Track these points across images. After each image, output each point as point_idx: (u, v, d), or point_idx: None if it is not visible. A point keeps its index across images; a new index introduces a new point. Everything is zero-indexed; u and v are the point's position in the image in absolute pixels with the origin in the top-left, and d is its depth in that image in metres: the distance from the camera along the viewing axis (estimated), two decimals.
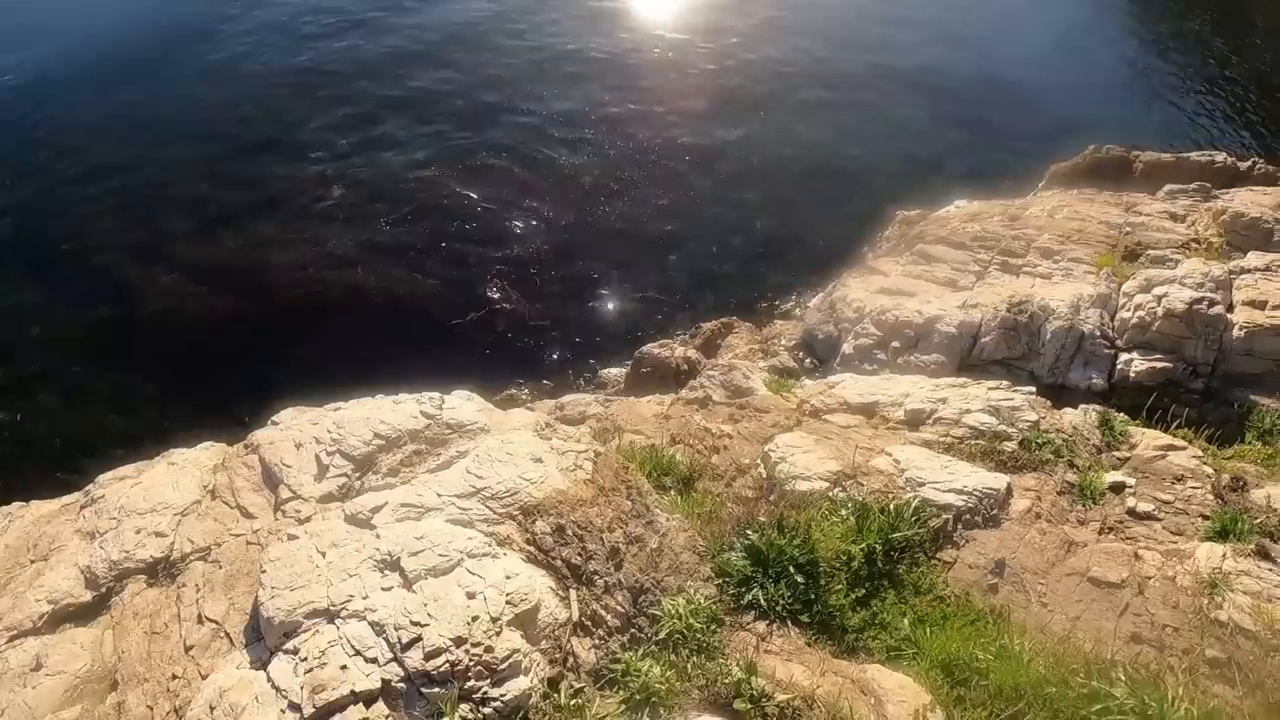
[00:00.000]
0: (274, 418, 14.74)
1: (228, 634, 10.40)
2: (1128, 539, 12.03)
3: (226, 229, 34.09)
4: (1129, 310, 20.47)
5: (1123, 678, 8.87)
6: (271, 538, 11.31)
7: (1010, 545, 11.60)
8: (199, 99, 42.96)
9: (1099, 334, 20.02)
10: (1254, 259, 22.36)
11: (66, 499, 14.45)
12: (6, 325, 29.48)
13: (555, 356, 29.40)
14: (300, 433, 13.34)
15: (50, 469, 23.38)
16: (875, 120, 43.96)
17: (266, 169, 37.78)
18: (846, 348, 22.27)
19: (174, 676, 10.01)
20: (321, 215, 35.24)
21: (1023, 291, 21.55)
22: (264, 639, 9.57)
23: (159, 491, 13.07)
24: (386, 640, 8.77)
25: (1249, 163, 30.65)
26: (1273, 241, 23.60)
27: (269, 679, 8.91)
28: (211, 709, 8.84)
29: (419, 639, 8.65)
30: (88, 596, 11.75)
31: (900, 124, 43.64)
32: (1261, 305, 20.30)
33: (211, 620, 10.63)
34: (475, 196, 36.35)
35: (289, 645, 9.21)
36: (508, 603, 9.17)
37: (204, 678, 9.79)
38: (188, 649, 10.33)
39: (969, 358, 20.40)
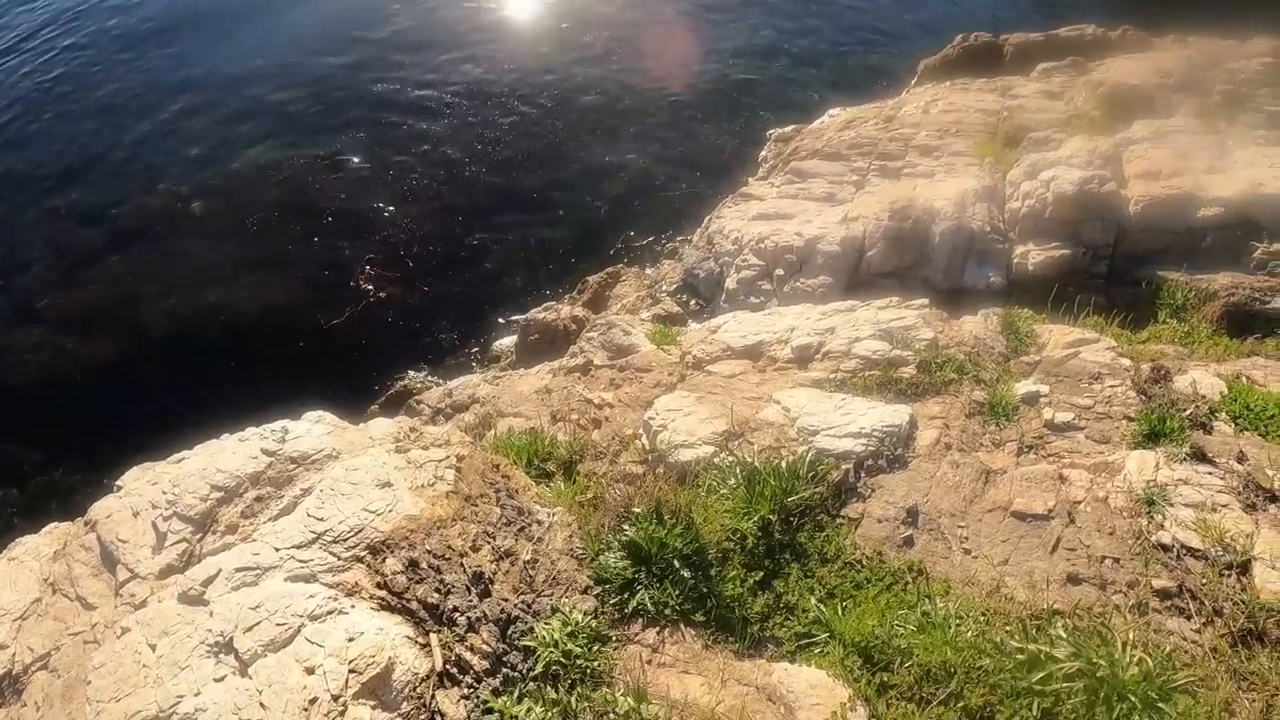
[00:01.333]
0: (118, 481, 13.39)
1: None
2: (1050, 457, 11.01)
3: (86, 270, 32.19)
4: (1018, 200, 19.60)
5: (1064, 635, 7.83)
6: (108, 631, 10.00)
7: (921, 486, 10.50)
8: (24, 142, 40.39)
9: (989, 229, 19.09)
10: (1139, 128, 21.57)
11: None
12: None
13: (444, 337, 28.34)
14: (139, 498, 11.94)
15: None
16: (744, 42, 42.58)
17: (117, 197, 35.56)
18: (730, 283, 21.21)
19: None
20: (182, 234, 33.49)
21: (904, 195, 20.56)
22: None
23: None
24: None
25: (1119, 31, 29.95)
26: (1154, 109, 22.78)
27: None
28: None
29: None
30: None
31: (770, 43, 42.41)
32: (1155, 176, 19.49)
33: None
34: (338, 188, 34.77)
35: None
36: (351, 671, 7.95)
37: None
38: None
39: (857, 274, 19.43)
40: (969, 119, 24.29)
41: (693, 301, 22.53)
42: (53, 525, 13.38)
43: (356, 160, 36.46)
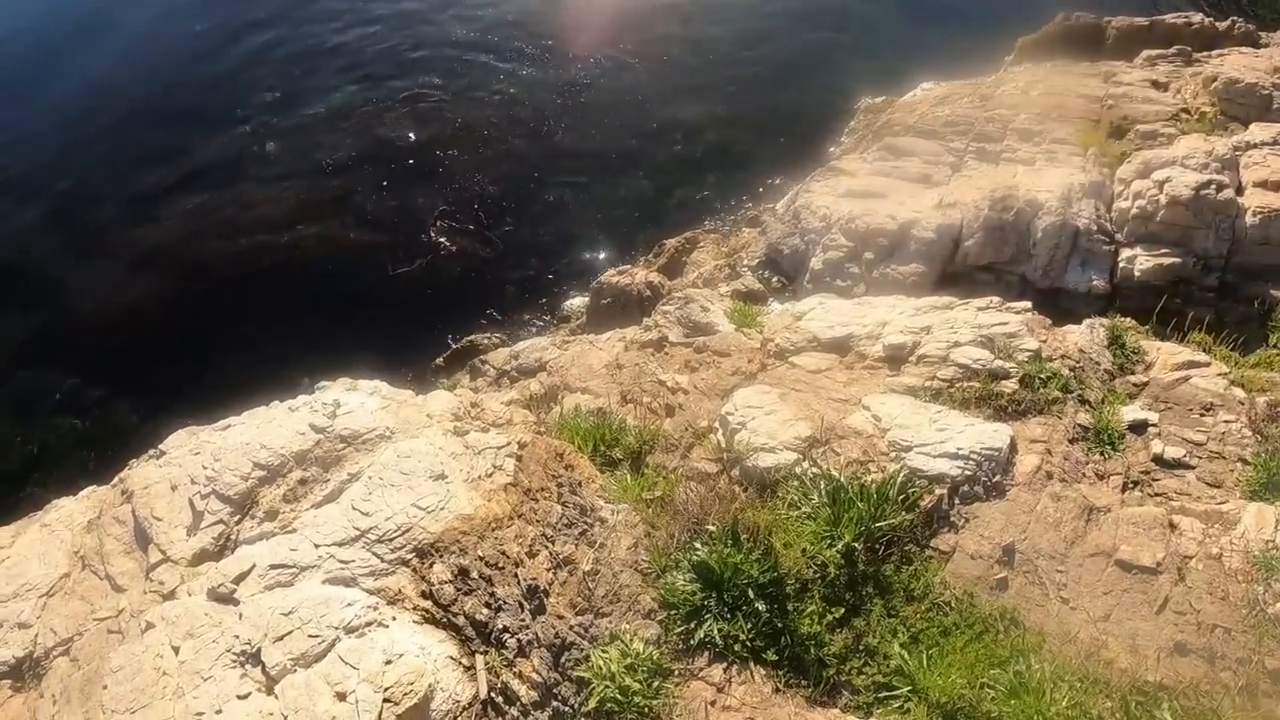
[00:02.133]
0: (161, 445, 12.79)
1: None
2: (1158, 497, 9.95)
3: (158, 209, 31.99)
4: (1127, 199, 18.34)
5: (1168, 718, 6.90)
6: (132, 622, 9.37)
7: (1019, 521, 9.50)
8: (109, 82, 39.81)
9: (1095, 228, 17.89)
10: (1258, 132, 20.09)
11: None
12: None
13: (513, 294, 27.62)
14: (178, 469, 11.31)
15: (9, 489, 22.34)
16: (837, 5, 41.15)
17: (192, 138, 35.25)
18: (815, 262, 20.19)
19: None
20: (255, 177, 33.11)
21: (1004, 183, 19.38)
22: None
23: (24, 569, 11.10)
24: None
25: (1228, 22, 28.31)
26: (1273, 110, 21.34)
27: None
28: None
29: None
30: None
31: (861, 9, 40.93)
32: (1275, 186, 18.08)
33: None
34: (413, 137, 34.09)
35: None
36: (386, 701, 7.21)
37: None
38: None
39: (951, 264, 18.34)
40: (1071, 104, 23.02)
41: (775, 278, 21.54)
42: (90, 489, 12.86)
43: (433, 108, 35.66)
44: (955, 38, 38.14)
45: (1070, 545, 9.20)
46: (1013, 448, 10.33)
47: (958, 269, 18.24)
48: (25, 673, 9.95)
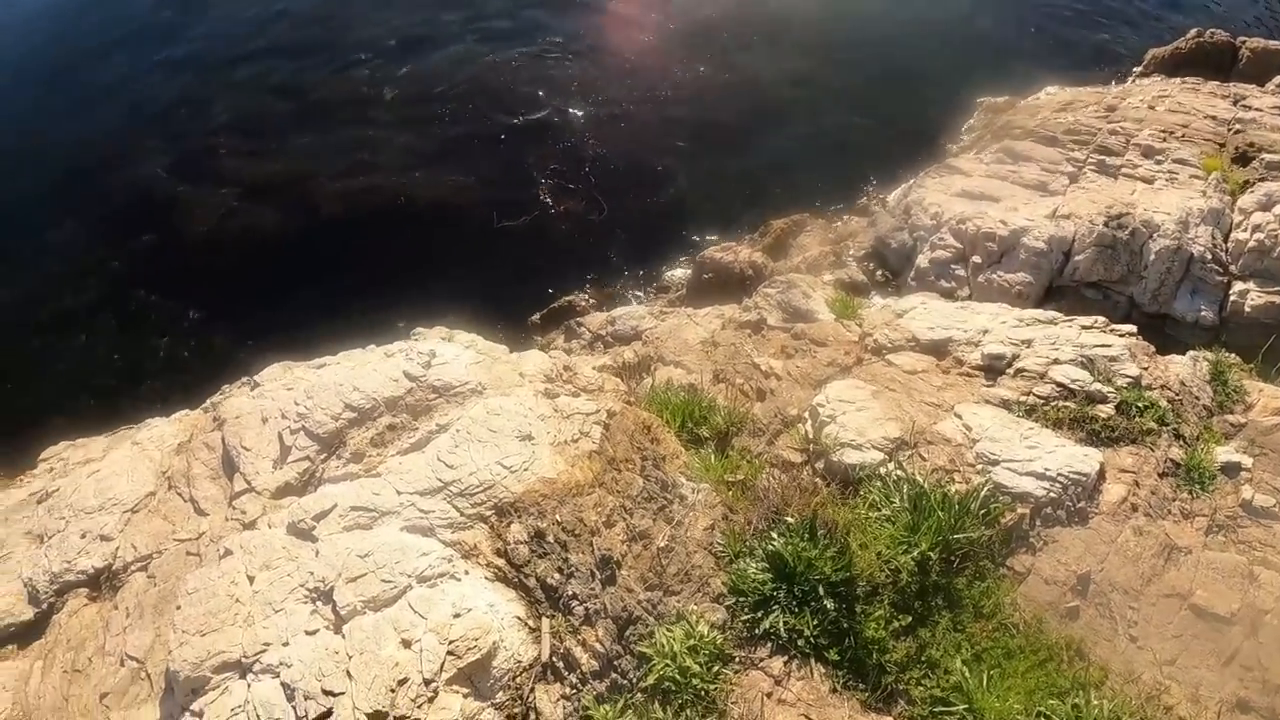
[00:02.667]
0: (256, 376, 13.14)
1: (149, 675, 8.86)
2: (1241, 545, 9.63)
3: (274, 143, 32.36)
4: (1245, 230, 17.76)
5: None
6: (211, 547, 9.65)
7: (1099, 551, 9.33)
8: (232, 14, 40.60)
9: (1210, 257, 17.35)
10: None
11: (29, 488, 13.10)
12: (58, 256, 28.45)
13: (615, 259, 27.36)
14: (270, 402, 11.61)
15: (104, 400, 22.98)
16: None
17: (312, 76, 35.71)
18: (922, 260, 19.92)
19: None
20: (371, 121, 33.22)
21: (1122, 199, 18.89)
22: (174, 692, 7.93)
23: (112, 483, 11.52)
24: (295, 710, 7.03)
25: None
26: None
27: None
28: None
29: (329, 713, 6.90)
30: (29, 614, 10.44)
31: (993, 5, 40.02)
32: None
33: (133, 658, 9.09)
34: (530, 92, 34.04)
35: (195, 705, 7.62)
36: (450, 654, 7.36)
37: None
38: (102, 697, 8.81)
39: (1059, 278, 17.94)
40: (1197, 124, 22.37)
41: (879, 272, 21.27)
42: (183, 413, 13.24)
43: (553, 68, 35.59)
44: (1086, 42, 37.43)
45: (1146, 583, 9.03)
46: (1101, 475, 10.12)
47: (1065, 283, 17.85)
48: (103, 583, 10.32)
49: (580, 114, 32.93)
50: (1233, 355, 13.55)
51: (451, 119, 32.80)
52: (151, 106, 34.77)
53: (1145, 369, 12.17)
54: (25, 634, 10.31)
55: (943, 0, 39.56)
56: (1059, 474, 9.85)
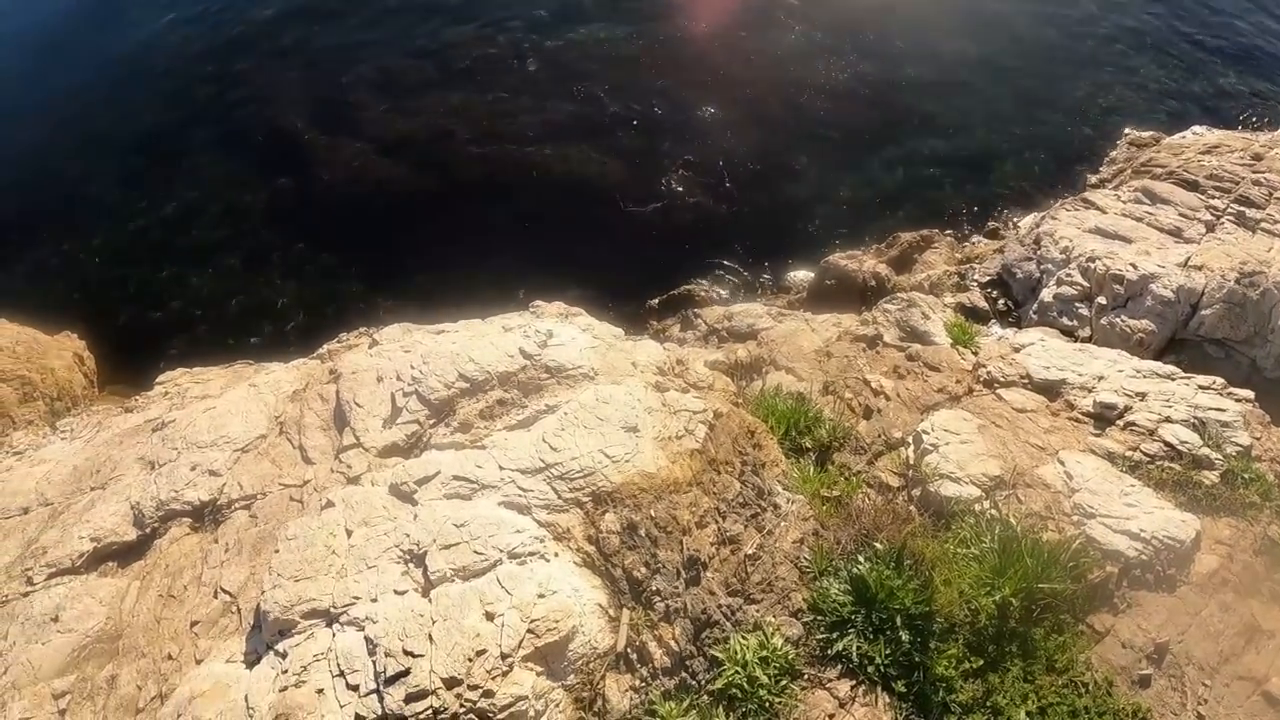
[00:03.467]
0: (376, 334, 13.57)
1: (239, 610, 9.27)
2: None
3: (414, 100, 32.86)
4: None
5: None
6: (314, 496, 10.06)
7: (1181, 622, 9.23)
8: None
9: None
10: None
11: (146, 414, 13.73)
12: (196, 190, 29.38)
13: (740, 253, 27.29)
14: (387, 362, 11.99)
15: (222, 334, 23.89)
16: (1113, 24, 39.34)
17: (459, 39, 36.15)
18: (1046, 294, 19.61)
19: (169, 656, 8.99)
20: (512, 89, 33.58)
21: (1258, 255, 18.37)
22: (261, 630, 8.32)
23: (226, 422, 12.00)
24: (375, 665, 7.35)
25: None
26: None
27: (245, 689, 7.66)
28: (178, 715, 7.68)
29: (407, 673, 7.21)
30: (132, 535, 10.90)
31: (1140, 31, 38.99)
32: None
33: (227, 593, 9.53)
34: (672, 80, 34.00)
35: (281, 646, 8.01)
36: (529, 632, 7.62)
37: (199, 662, 8.66)
38: (192, 624, 9.28)
39: (1183, 330, 17.53)
40: None
41: (1001, 300, 20.98)
42: (300, 361, 13.69)
43: (696, 57, 35.46)
44: (1241, 86, 36.36)
45: (1224, 661, 8.91)
46: (1196, 543, 9.98)
47: (1189, 336, 17.44)
48: (206, 516, 10.79)
49: (718, 106, 32.81)
50: None
51: (589, 97, 33.01)
52: (298, 54, 35.63)
53: (1257, 439, 11.96)
54: (127, 554, 10.79)
55: (1102, 27, 38.59)
56: (1154, 536, 9.76)
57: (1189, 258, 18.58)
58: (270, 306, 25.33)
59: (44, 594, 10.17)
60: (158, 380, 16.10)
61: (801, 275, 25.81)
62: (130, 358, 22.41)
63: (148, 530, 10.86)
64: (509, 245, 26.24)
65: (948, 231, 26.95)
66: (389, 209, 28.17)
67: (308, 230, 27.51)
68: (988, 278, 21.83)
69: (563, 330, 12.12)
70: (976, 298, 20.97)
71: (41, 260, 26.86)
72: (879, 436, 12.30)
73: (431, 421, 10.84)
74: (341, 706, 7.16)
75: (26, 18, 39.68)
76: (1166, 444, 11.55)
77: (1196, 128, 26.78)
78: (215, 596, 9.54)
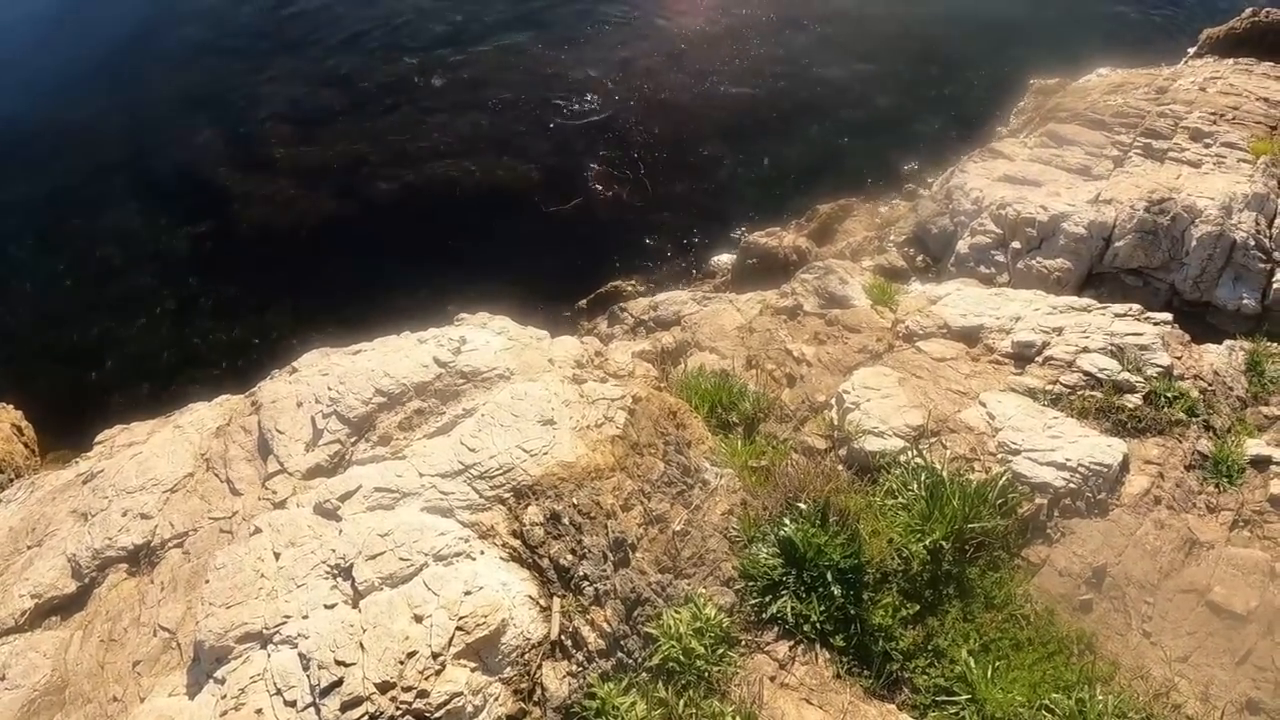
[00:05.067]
0: (295, 362, 13.49)
1: (179, 645, 9.20)
2: (1265, 541, 9.50)
3: (324, 130, 32.89)
4: None
5: None
6: (243, 526, 10.01)
7: (1117, 544, 9.28)
8: (278, 10, 41.01)
9: (1253, 243, 17.05)
10: None
11: (77, 469, 13.60)
12: (117, 244, 29.04)
13: (662, 244, 27.48)
14: (305, 387, 11.90)
15: (160, 386, 23.58)
16: None
17: (361, 64, 36.26)
18: (962, 245, 19.80)
19: (114, 699, 8.92)
20: (420, 107, 33.73)
21: (1166, 184, 18.64)
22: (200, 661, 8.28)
23: (153, 464, 11.92)
24: (309, 679, 7.32)
25: None
26: None
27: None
28: None
29: (340, 682, 7.18)
30: (72, 588, 10.82)
31: None
32: None
33: (165, 629, 9.46)
34: (578, 78, 34.30)
35: (219, 673, 7.97)
36: (459, 629, 7.59)
37: (143, 700, 8.60)
38: (134, 665, 9.19)
39: (1099, 264, 17.76)
40: (1248, 107, 21.90)
41: (920, 257, 21.16)
42: (224, 397, 13.58)
43: (601, 55, 35.75)
44: (1143, 21, 36.86)
45: (1164, 577, 8.99)
46: (1124, 466, 10.07)
47: (1105, 269, 17.66)
48: (141, 559, 10.72)
49: (629, 99, 33.07)
50: (1274, 344, 13.40)
51: (500, 106, 33.18)
52: (204, 93, 35.39)
53: (1178, 358, 12.10)
54: (68, 606, 10.71)
55: None
56: (1080, 464, 9.85)
57: (1099, 194, 18.83)
58: (204, 353, 25.23)
59: None
60: (96, 440, 15.93)
61: (725, 259, 25.99)
62: (70, 421, 22.02)
63: (86, 580, 10.76)
64: (436, 263, 26.34)
65: (867, 199, 27.13)
66: (312, 241, 28.13)
67: (233, 272, 27.37)
68: (904, 237, 22.04)
69: (476, 335, 12.10)
70: (895, 258, 21.16)
71: None
72: (803, 403, 12.34)
73: (353, 439, 10.78)
74: None
75: None
76: (1086, 374, 11.67)
77: (1101, 69, 27.15)
78: (155, 635, 9.46)
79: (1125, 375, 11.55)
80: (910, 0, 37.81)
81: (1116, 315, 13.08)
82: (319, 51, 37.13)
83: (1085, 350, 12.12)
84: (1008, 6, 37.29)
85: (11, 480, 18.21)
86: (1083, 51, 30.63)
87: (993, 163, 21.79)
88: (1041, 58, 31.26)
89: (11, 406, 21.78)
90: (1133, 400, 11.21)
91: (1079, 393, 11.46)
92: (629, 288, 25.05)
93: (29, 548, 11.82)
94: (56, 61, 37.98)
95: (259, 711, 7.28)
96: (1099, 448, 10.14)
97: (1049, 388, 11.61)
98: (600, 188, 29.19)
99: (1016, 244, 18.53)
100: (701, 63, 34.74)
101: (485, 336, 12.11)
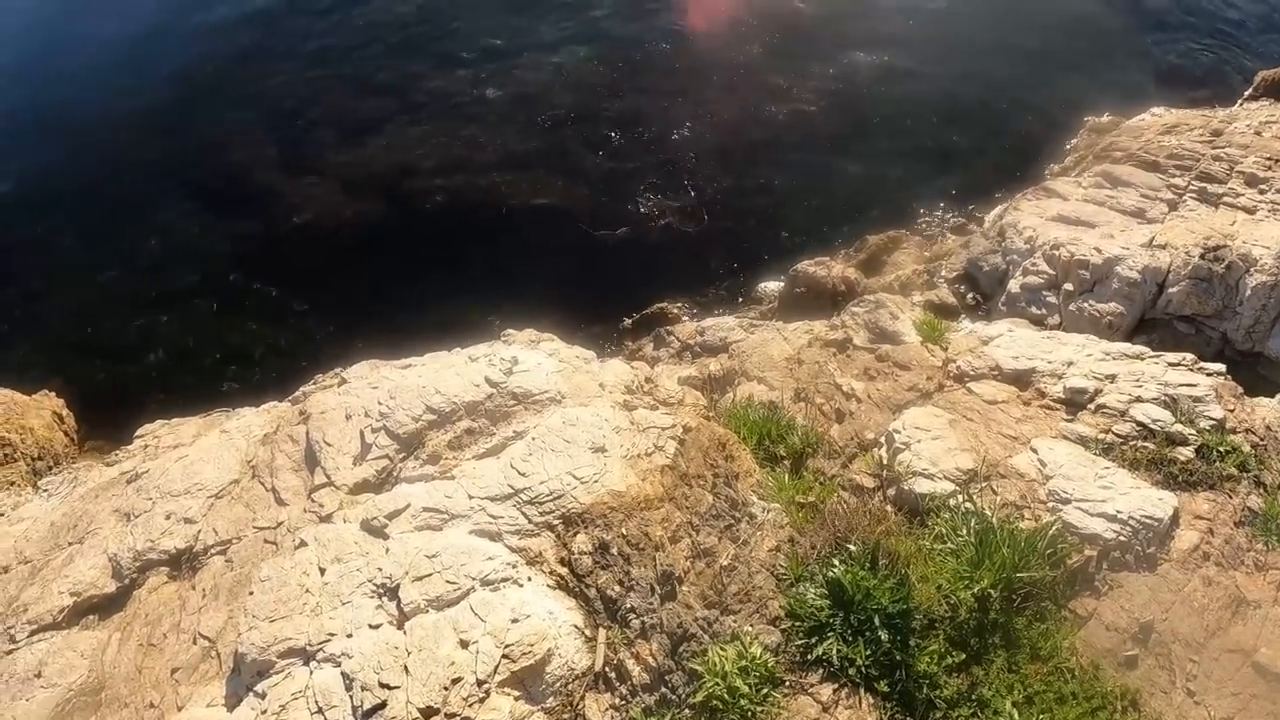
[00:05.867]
0: (344, 372, 13.58)
1: (218, 654, 9.26)
2: None
3: (374, 137, 32.97)
4: None
5: None
6: (288, 537, 10.05)
7: (1164, 600, 9.19)
8: (339, 12, 41.19)
9: None
10: None
11: (120, 467, 13.72)
12: (162, 241, 29.46)
13: (711, 268, 27.28)
14: (355, 399, 11.97)
15: (199, 384, 23.75)
16: (1079, 9, 39.47)
17: (416, 74, 36.29)
18: (1013, 285, 19.70)
19: (151, 705, 8.97)
20: (472, 120, 33.68)
21: (1221, 230, 18.46)
22: (240, 673, 8.29)
23: (199, 469, 12.02)
24: (351, 699, 7.32)
25: None
26: None
27: None
28: None
29: (383, 705, 7.19)
30: (111, 588, 10.94)
31: (1090, 16, 39.12)
32: None
33: (205, 638, 9.52)
34: (633, 101, 34.15)
35: (260, 687, 7.98)
36: (505, 657, 7.58)
37: (180, 709, 8.63)
38: (173, 671, 9.26)
39: (1151, 309, 17.62)
40: None
41: (970, 295, 21.04)
42: (270, 404, 13.67)
43: (657, 78, 35.55)
44: (1197, 63, 36.51)
45: (1210, 635, 8.87)
46: (1175, 520, 9.95)
47: (1158, 315, 17.53)
48: (183, 564, 10.80)
49: (682, 120, 32.90)
50: None
51: (552, 122, 33.10)
52: (258, 98, 35.67)
53: (1230, 411, 11.92)
54: (107, 606, 10.80)
55: (1052, 13, 38.72)
56: (1130, 517, 9.73)
57: (1153, 238, 18.66)
58: (245, 353, 25.37)
59: (26, 651, 10.16)
60: (137, 434, 16.05)
61: (772, 286, 25.82)
62: (110, 413, 22.33)
63: (126, 581, 10.85)
64: (480, 276, 26.35)
65: (916, 231, 26.99)
66: (358, 247, 28.21)
67: (278, 273, 27.55)
68: (955, 273, 21.90)
69: (528, 356, 12.12)
70: (945, 294, 21.03)
71: (13, 319, 26.82)
72: (852, 439, 12.29)
73: (401, 455, 10.82)
74: None
75: None
76: (1139, 424, 11.54)
77: (1155, 108, 26.97)
78: (194, 642, 9.52)
79: (1178, 427, 11.41)
80: (966, 33, 37.45)
81: (1170, 365, 12.93)
82: (371, 58, 37.27)
83: (1138, 400, 11.98)
84: (1063, 41, 37.02)
85: (50, 468, 18.40)
86: (1136, 90, 30.43)
87: (1046, 201, 21.66)
88: (1095, 94, 31.14)
89: (53, 394, 22.04)
90: (1185, 453, 11.06)
91: (1131, 443, 11.32)
92: (675, 310, 25.01)
93: (70, 544, 11.94)
94: (114, 57, 38.52)
95: None
96: (1150, 500, 10.02)
97: (1101, 436, 11.49)
98: (649, 209, 29.08)
99: (1069, 286, 18.41)
100: (756, 87, 34.56)
101: (537, 358, 12.13)
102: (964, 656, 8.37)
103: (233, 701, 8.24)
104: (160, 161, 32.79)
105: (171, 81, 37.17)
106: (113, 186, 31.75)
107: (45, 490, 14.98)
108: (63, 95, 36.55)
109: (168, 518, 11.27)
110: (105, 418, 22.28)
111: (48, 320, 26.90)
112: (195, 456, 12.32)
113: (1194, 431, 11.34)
